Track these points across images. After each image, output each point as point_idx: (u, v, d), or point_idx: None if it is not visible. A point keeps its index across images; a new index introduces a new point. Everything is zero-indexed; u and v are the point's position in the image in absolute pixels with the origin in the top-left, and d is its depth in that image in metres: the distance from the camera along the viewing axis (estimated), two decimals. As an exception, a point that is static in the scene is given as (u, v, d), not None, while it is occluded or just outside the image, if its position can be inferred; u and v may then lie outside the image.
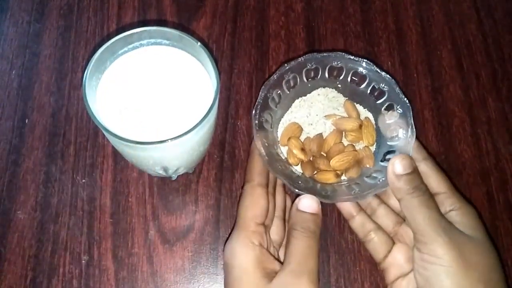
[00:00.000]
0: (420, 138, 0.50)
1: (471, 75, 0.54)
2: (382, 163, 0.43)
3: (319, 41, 0.54)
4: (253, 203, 0.39)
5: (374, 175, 0.42)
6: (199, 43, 0.36)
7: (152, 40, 0.39)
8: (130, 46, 0.38)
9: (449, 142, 0.50)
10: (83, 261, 0.43)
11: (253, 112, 0.43)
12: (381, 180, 0.41)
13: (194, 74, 0.38)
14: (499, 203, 0.48)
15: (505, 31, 0.56)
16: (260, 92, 0.44)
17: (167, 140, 0.33)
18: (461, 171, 0.49)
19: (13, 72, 0.51)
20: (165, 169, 0.40)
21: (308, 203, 0.39)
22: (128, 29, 0.37)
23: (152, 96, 0.37)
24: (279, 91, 0.45)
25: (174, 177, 0.46)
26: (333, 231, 0.45)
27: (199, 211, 0.46)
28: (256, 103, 0.43)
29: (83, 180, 0.46)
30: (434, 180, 0.40)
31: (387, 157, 0.42)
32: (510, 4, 0.57)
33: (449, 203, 0.39)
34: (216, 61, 0.37)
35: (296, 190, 0.40)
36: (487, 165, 0.49)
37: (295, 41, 0.54)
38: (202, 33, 0.54)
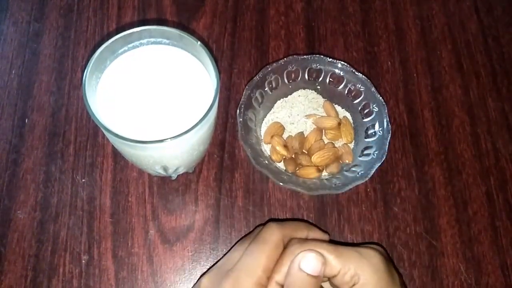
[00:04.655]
0: (420, 138, 0.50)
1: (471, 75, 0.54)
2: (360, 158, 0.46)
3: (319, 41, 0.54)
4: (272, 255, 0.35)
5: (353, 169, 0.45)
6: (199, 42, 0.36)
7: (152, 39, 0.38)
8: (130, 45, 0.38)
9: (449, 142, 0.50)
10: (83, 261, 0.43)
11: (238, 110, 0.46)
12: (360, 174, 0.44)
13: (194, 74, 0.38)
14: (499, 203, 0.48)
15: (505, 31, 0.56)
16: (244, 91, 0.47)
17: (167, 139, 0.33)
18: (461, 171, 0.49)
19: (13, 72, 0.51)
20: (165, 169, 0.40)
21: (311, 264, 0.33)
22: (128, 29, 0.37)
23: (152, 95, 0.37)
24: (262, 92, 0.48)
25: (174, 176, 0.46)
26: (333, 231, 0.45)
27: (199, 211, 0.46)
28: (241, 101, 0.46)
29: (83, 180, 0.46)
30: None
31: (365, 152, 0.46)
32: (510, 4, 0.58)
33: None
34: (216, 61, 0.37)
35: (281, 184, 0.43)
36: (487, 165, 0.49)
37: (295, 41, 0.54)
38: (202, 32, 0.54)
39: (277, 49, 0.53)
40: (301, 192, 0.45)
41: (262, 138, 0.48)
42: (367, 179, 0.43)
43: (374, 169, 0.43)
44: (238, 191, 0.47)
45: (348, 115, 0.49)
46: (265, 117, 0.49)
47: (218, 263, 0.39)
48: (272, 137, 0.47)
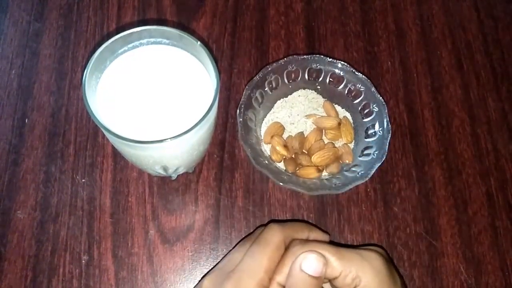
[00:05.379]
0: (421, 138, 0.50)
1: (471, 75, 0.54)
2: (360, 158, 0.46)
3: (319, 41, 0.54)
4: (274, 256, 0.35)
5: (353, 169, 0.45)
6: (199, 42, 0.36)
7: (152, 40, 0.38)
8: (130, 46, 0.38)
9: (449, 142, 0.50)
10: (83, 261, 0.43)
11: (238, 110, 0.46)
12: (360, 174, 0.44)
13: (194, 74, 0.38)
14: (498, 203, 0.47)
15: (505, 31, 0.56)
16: (244, 91, 0.47)
17: (167, 139, 0.33)
18: (461, 171, 0.49)
19: (13, 72, 0.51)
20: (165, 169, 0.40)
21: (312, 265, 0.33)
22: (128, 29, 0.37)
23: (152, 95, 0.37)
24: (262, 92, 0.48)
25: (174, 176, 0.46)
26: (333, 231, 0.45)
27: (199, 211, 0.46)
28: (241, 101, 0.46)
29: (83, 180, 0.46)
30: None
31: (365, 152, 0.46)
32: (510, 4, 0.58)
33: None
34: (216, 61, 0.37)
35: (281, 184, 0.43)
36: (487, 165, 0.49)
37: (295, 41, 0.54)
38: (202, 32, 0.54)
39: (277, 49, 0.53)
40: (301, 192, 0.45)
41: (262, 138, 0.48)
42: (367, 179, 0.43)
43: (374, 169, 0.43)
44: (238, 191, 0.47)
45: (348, 115, 0.49)
46: (265, 117, 0.49)
47: (219, 264, 0.39)
48: (272, 137, 0.47)
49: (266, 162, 0.45)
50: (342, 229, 0.46)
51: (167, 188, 0.47)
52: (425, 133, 0.50)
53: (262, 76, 0.47)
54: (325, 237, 0.41)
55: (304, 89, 0.50)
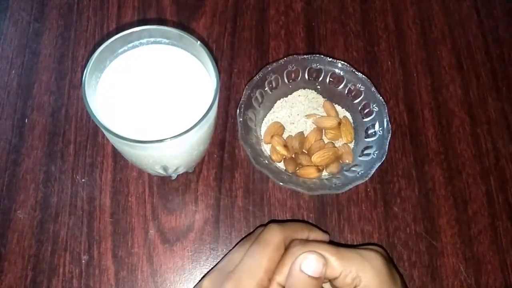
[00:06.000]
0: (420, 138, 0.50)
1: (471, 75, 0.54)
2: (360, 158, 0.46)
3: (319, 41, 0.54)
4: (273, 256, 0.35)
5: (353, 169, 0.45)
6: (199, 42, 0.36)
7: (152, 39, 0.38)
8: (129, 45, 0.38)
9: (449, 142, 0.50)
10: (83, 261, 0.43)
11: (238, 110, 0.46)
12: (360, 173, 0.44)
13: (194, 73, 0.38)
14: (498, 203, 0.47)
15: (505, 31, 0.56)
16: (244, 91, 0.47)
17: (167, 139, 0.33)
18: (461, 171, 0.49)
19: (13, 72, 0.51)
20: (165, 169, 0.40)
21: (312, 266, 0.33)
22: (128, 28, 0.37)
23: (152, 95, 0.37)
24: (262, 91, 0.48)
25: (174, 176, 0.46)
26: (333, 231, 0.45)
27: (199, 210, 0.46)
28: (241, 101, 0.46)
29: (83, 180, 0.46)
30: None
31: (365, 152, 0.46)
32: (510, 4, 0.58)
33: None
34: (216, 61, 0.37)
35: (281, 184, 0.43)
36: (487, 165, 0.49)
37: (295, 41, 0.54)
38: (202, 32, 0.54)
39: (277, 49, 0.53)
40: (301, 192, 0.45)
41: (262, 138, 0.48)
42: (367, 179, 0.43)
43: (374, 169, 0.43)
44: (238, 191, 0.47)
45: (348, 115, 0.49)
46: (265, 117, 0.49)
47: (219, 264, 0.39)
48: (272, 137, 0.47)
49: (266, 162, 0.45)
50: (342, 229, 0.46)
51: (167, 188, 0.47)
52: (425, 133, 0.50)
53: (262, 76, 0.47)
54: (325, 237, 0.41)
55: (304, 89, 0.50)
